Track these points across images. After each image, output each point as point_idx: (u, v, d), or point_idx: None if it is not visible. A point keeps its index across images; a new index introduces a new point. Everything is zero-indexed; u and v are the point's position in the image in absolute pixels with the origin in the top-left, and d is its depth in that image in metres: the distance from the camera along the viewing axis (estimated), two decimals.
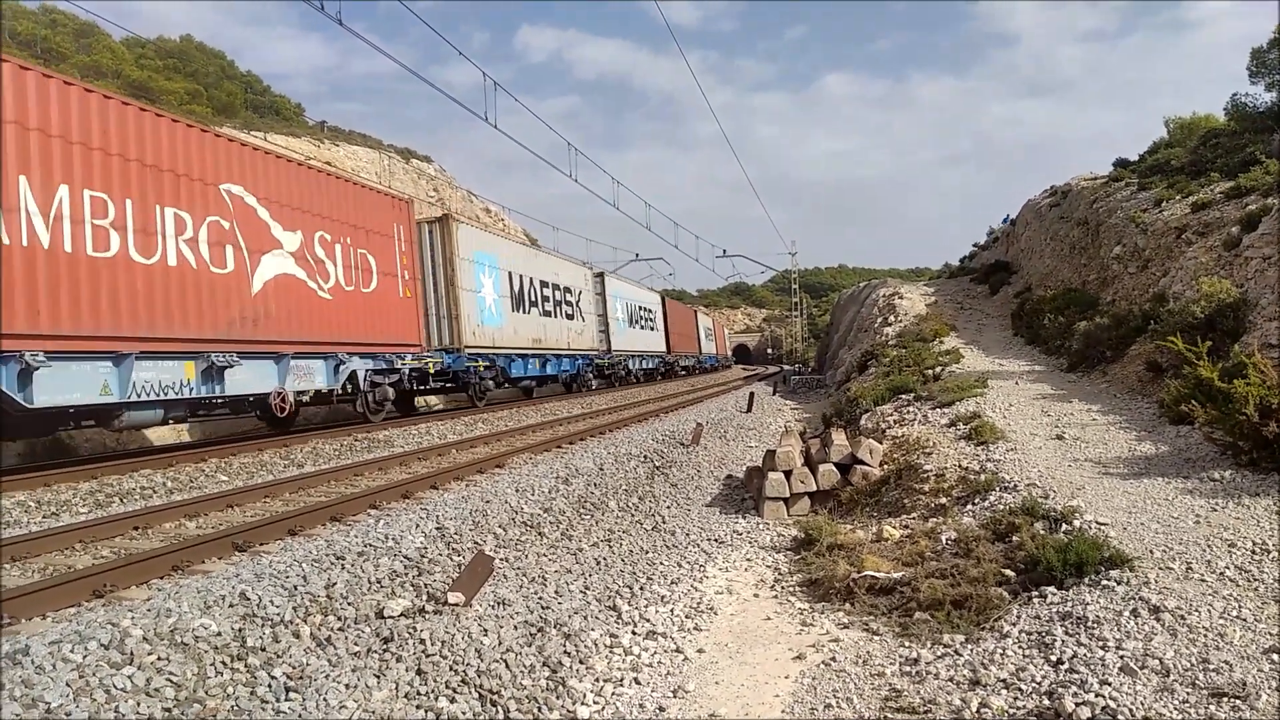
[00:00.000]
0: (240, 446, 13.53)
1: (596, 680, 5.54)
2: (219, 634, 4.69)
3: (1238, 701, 4.12)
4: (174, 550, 6.62)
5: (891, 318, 28.65)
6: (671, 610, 6.94)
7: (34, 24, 43.88)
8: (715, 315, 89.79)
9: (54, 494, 9.63)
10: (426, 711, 4.65)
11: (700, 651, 6.11)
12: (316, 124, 51.25)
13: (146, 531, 7.86)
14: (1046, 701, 4.42)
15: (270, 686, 4.46)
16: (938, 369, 17.30)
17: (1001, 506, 7.79)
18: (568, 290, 31.18)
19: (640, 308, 42.62)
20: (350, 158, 43.89)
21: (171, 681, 4.23)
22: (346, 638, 5.10)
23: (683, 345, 53.45)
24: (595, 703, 5.22)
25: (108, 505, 9.38)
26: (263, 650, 4.74)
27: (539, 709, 5.01)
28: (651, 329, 44.72)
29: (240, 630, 4.80)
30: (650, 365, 43.97)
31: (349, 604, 5.52)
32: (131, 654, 4.31)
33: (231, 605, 5.02)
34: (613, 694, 5.36)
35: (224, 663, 4.53)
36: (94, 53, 45.39)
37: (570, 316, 31.13)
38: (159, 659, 4.35)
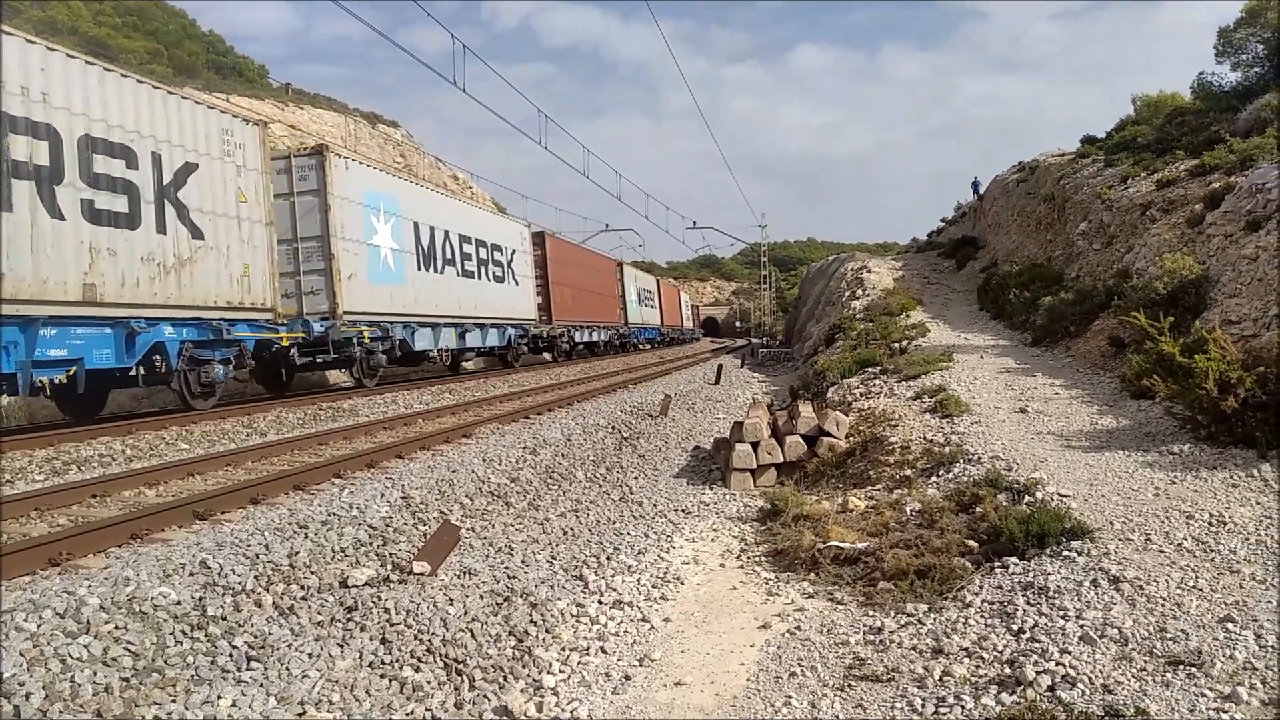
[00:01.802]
0: (201, 415, 13.31)
1: (563, 649, 5.53)
2: (179, 603, 4.62)
3: (1194, 669, 4.20)
4: (133, 518, 6.49)
5: (859, 291, 28.79)
6: (638, 580, 6.95)
7: None
8: (676, 283, 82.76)
9: (9, 460, 9.41)
10: (391, 680, 4.62)
11: (667, 621, 6.12)
12: (281, 86, 50.20)
13: (105, 499, 7.71)
14: (1008, 670, 4.48)
15: (231, 656, 4.40)
16: (904, 343, 17.41)
17: (965, 478, 7.86)
18: (145, 153, 12.36)
19: (465, 239, 23.34)
20: (315, 121, 43.13)
21: (129, 650, 4.16)
22: (310, 607, 5.05)
23: (584, 310, 35.57)
24: (561, 671, 5.22)
25: (65, 473, 9.19)
26: (224, 619, 4.68)
27: (504, 678, 5.00)
28: (499, 279, 26.01)
29: (201, 599, 4.73)
30: (491, 342, 25.35)
31: (312, 573, 5.46)
32: (88, 623, 4.23)
33: (192, 574, 4.94)
34: (579, 663, 5.36)
35: (184, 632, 4.47)
36: (49, 8, 44.05)
37: (153, 227, 12.42)
38: (116, 628, 4.27)
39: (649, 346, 52.98)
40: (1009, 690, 4.27)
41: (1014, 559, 5.89)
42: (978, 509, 6.89)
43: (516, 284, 27.70)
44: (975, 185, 36.45)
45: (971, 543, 6.37)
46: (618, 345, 43.07)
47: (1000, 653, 4.69)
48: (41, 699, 3.67)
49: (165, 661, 4.22)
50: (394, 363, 20.26)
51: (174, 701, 3.97)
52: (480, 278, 24.64)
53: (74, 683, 3.85)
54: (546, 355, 34.00)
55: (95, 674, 3.95)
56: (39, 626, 4.11)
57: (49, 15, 42.48)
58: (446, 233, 22.41)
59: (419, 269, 20.68)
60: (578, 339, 35.05)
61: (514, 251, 27.68)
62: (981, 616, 5.21)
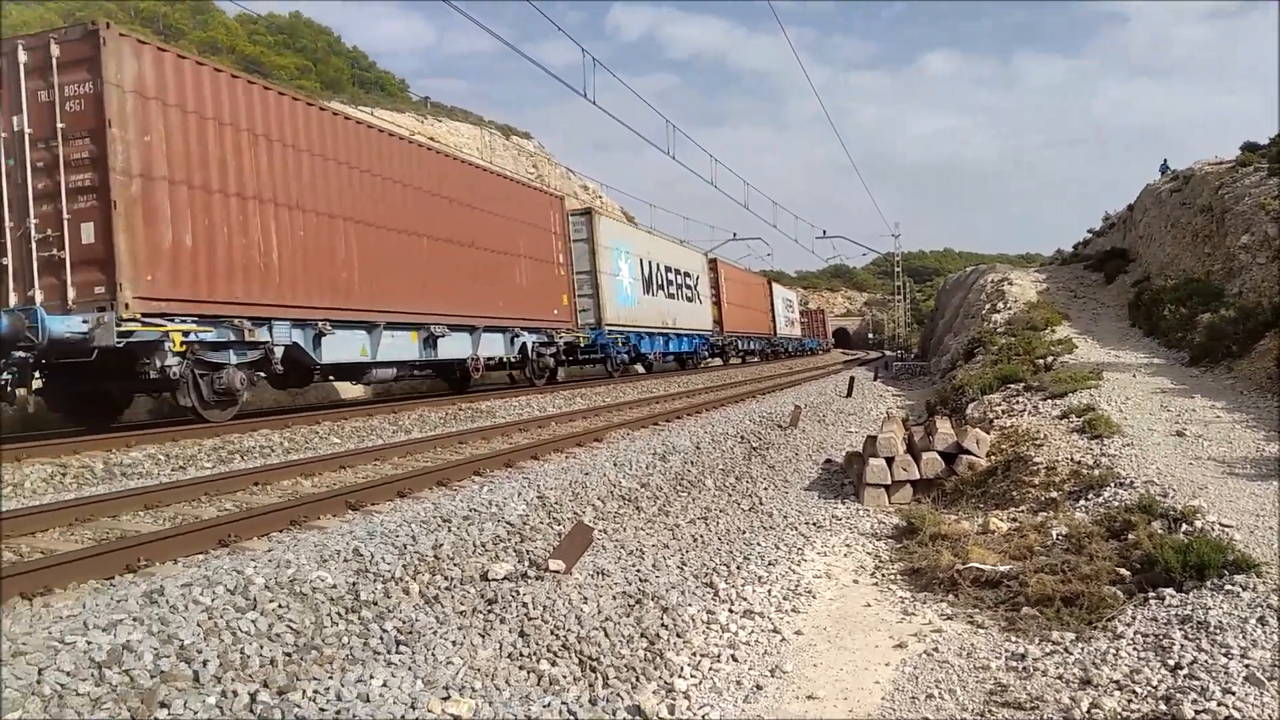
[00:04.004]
0: (351, 411, 14.02)
1: (694, 654, 5.57)
2: (334, 586, 4.89)
3: None
4: (292, 506, 6.92)
5: (1000, 304, 27.77)
6: (769, 591, 6.92)
7: (155, 2, 45.66)
8: (808, 291, 75.68)
9: (181, 449, 10.16)
10: (529, 672, 4.76)
11: (798, 633, 6.08)
12: (420, 100, 52.29)
13: (265, 488, 8.23)
14: (1163, 706, 4.25)
15: (382, 639, 4.63)
16: (1049, 359, 16.70)
17: (1116, 503, 7.50)
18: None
19: None
20: (452, 133, 44.70)
21: (292, 628, 4.44)
22: (453, 597, 5.26)
23: (371, 283, 14.70)
24: (692, 676, 5.25)
25: (230, 461, 9.87)
26: (375, 604, 4.93)
27: (637, 678, 5.07)
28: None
29: (354, 584, 5.00)
30: None
31: (455, 565, 5.68)
32: (255, 600, 4.53)
33: (346, 560, 5.22)
34: (710, 669, 5.39)
35: (339, 614, 4.73)
36: (210, 29, 47.28)
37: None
38: (280, 606, 4.56)
39: (672, 362, 33.84)
40: None
41: (1170, 590, 5.58)
42: (1130, 535, 6.56)
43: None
44: (1164, 167, 32.80)
45: (1123, 571, 6.07)
46: (516, 363, 20.76)
47: (1154, 688, 4.45)
48: (216, 666, 3.96)
49: (323, 640, 4.48)
50: None
51: (331, 678, 4.20)
52: None
53: (244, 654, 4.13)
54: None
55: (262, 648, 4.23)
56: (213, 601, 4.43)
57: (210, 35, 45.62)
58: None
59: None
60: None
61: None
62: (1134, 649, 4.96)
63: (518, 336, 19.80)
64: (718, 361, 39.81)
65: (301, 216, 13.33)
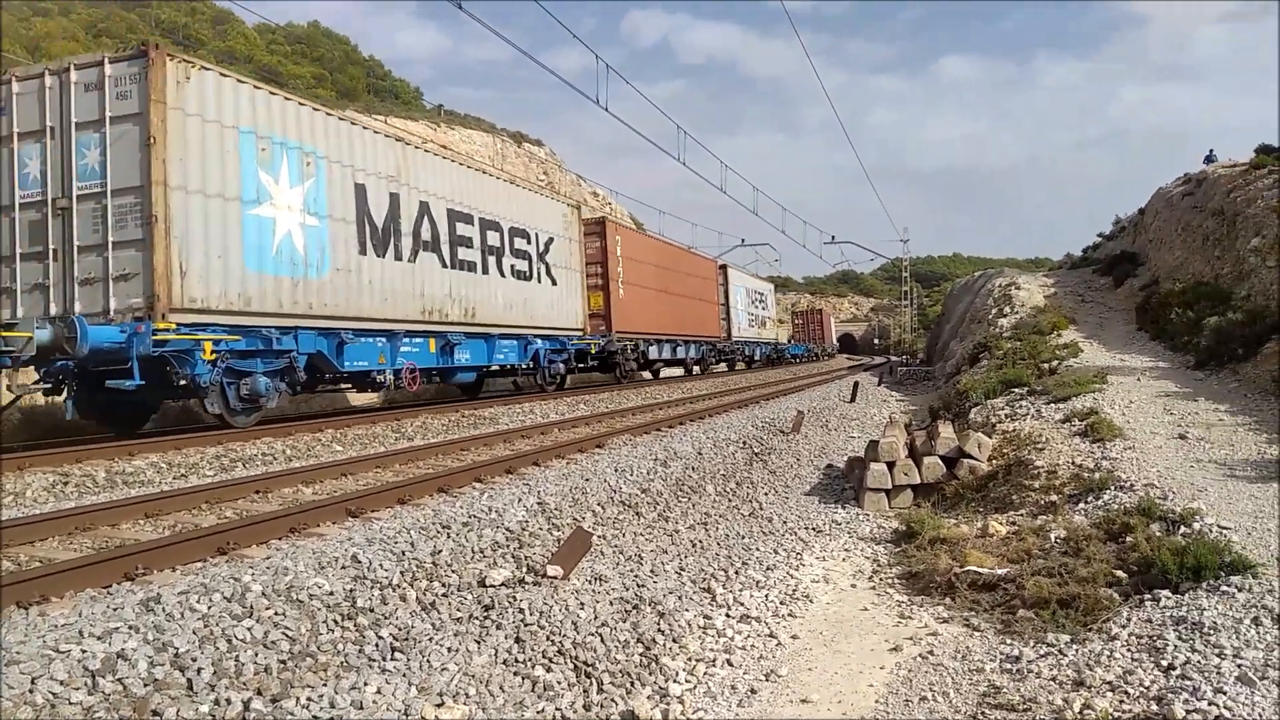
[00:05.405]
0: (355, 419, 14.08)
1: (689, 659, 5.58)
2: (331, 593, 4.93)
3: None
4: (291, 513, 6.95)
5: (1007, 309, 27.73)
6: (766, 596, 6.93)
7: (175, 12, 46.25)
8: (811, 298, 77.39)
9: (184, 457, 10.22)
10: (524, 678, 4.78)
11: (794, 638, 6.09)
12: (434, 108, 52.61)
13: (267, 495, 8.27)
14: (1155, 707, 4.25)
15: (377, 646, 4.66)
16: (1054, 363, 16.68)
17: (1116, 506, 7.49)
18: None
19: None
20: (465, 141, 44.93)
21: (287, 635, 4.47)
22: (450, 603, 5.29)
23: None
24: (687, 681, 5.27)
25: (232, 469, 9.92)
26: (371, 611, 4.96)
27: (632, 683, 5.09)
28: None
29: (351, 591, 5.04)
30: None
31: (453, 571, 5.72)
32: (251, 608, 4.57)
33: (344, 567, 5.27)
34: (705, 673, 5.40)
35: (335, 620, 4.77)
36: (229, 39, 47.71)
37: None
38: (276, 614, 4.60)
39: (457, 384, 19.72)
40: None
41: (1166, 592, 5.58)
42: (1128, 538, 6.56)
43: None
44: (1210, 158, 31.82)
45: (1120, 573, 6.07)
46: None
47: (1147, 689, 4.46)
48: (211, 674, 4.00)
49: (318, 647, 4.51)
50: None
51: (325, 685, 4.23)
52: None
53: (238, 661, 4.17)
54: None
55: (257, 655, 4.27)
56: (209, 609, 4.47)
57: (228, 45, 46.03)
58: None
59: None
60: None
61: None
62: (1128, 650, 4.96)
63: None
64: (596, 377, 26.79)
65: None
